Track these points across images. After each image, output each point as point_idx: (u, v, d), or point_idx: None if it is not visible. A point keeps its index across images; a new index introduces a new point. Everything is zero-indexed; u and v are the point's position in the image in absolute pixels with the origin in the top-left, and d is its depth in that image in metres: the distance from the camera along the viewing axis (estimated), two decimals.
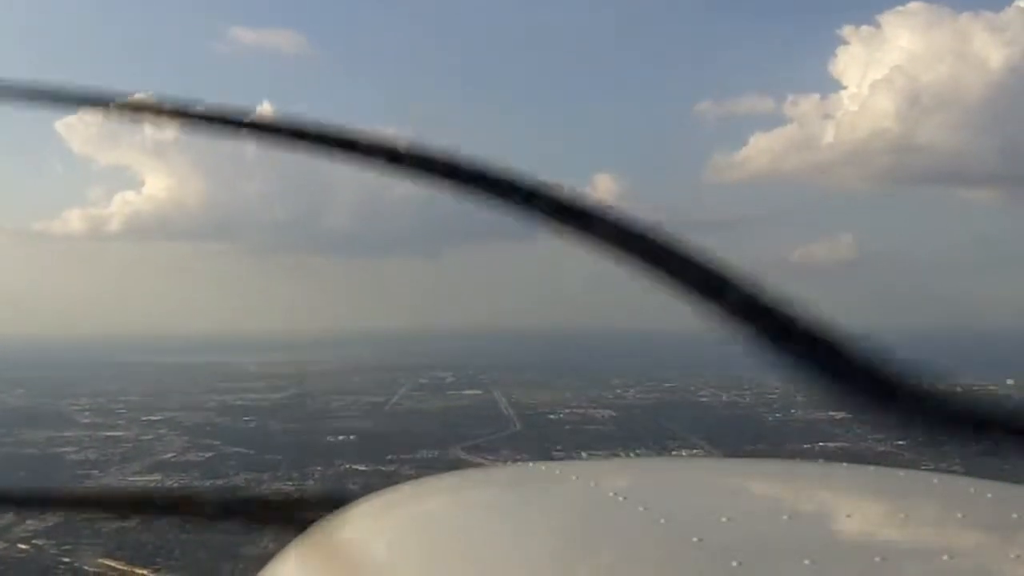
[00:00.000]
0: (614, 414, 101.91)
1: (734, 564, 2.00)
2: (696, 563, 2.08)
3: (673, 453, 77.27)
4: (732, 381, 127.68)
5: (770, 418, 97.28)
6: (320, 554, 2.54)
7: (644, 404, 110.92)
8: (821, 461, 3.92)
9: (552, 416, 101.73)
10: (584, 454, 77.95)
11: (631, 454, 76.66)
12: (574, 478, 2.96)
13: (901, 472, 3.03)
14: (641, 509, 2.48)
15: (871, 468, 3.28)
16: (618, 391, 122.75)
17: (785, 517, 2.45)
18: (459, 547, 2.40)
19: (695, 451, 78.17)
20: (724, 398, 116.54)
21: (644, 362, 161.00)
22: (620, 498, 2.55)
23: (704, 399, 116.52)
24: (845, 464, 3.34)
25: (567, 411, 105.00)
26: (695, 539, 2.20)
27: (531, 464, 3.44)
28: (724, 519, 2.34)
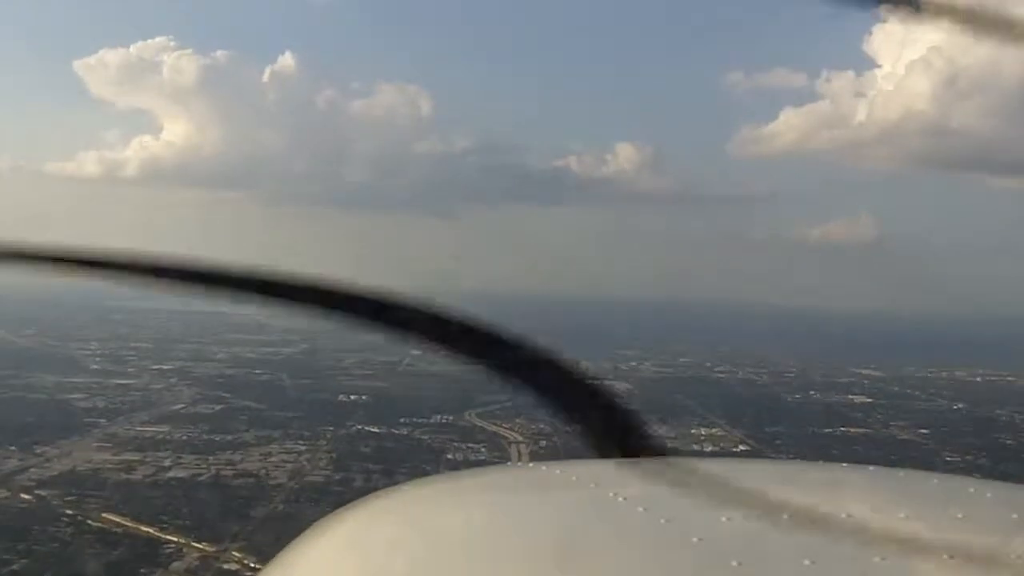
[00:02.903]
0: (629, 387, 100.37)
1: (734, 564, 2.04)
2: (696, 563, 2.12)
3: (692, 431, 76.14)
4: (747, 358, 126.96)
5: (789, 399, 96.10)
6: (320, 554, 2.45)
7: (660, 378, 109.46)
8: (821, 461, 3.64)
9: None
10: None
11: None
12: (574, 479, 2.90)
13: (901, 472, 3.01)
14: (641, 510, 2.46)
15: (871, 468, 3.21)
16: (633, 363, 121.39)
17: (785, 517, 2.38)
18: (459, 548, 2.40)
19: (714, 430, 77.05)
20: (740, 375, 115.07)
21: (657, 334, 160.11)
22: (620, 499, 2.53)
23: (720, 375, 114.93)
24: (845, 464, 3.24)
25: None
26: (695, 539, 2.23)
27: (531, 464, 3.43)
28: (725, 519, 2.34)
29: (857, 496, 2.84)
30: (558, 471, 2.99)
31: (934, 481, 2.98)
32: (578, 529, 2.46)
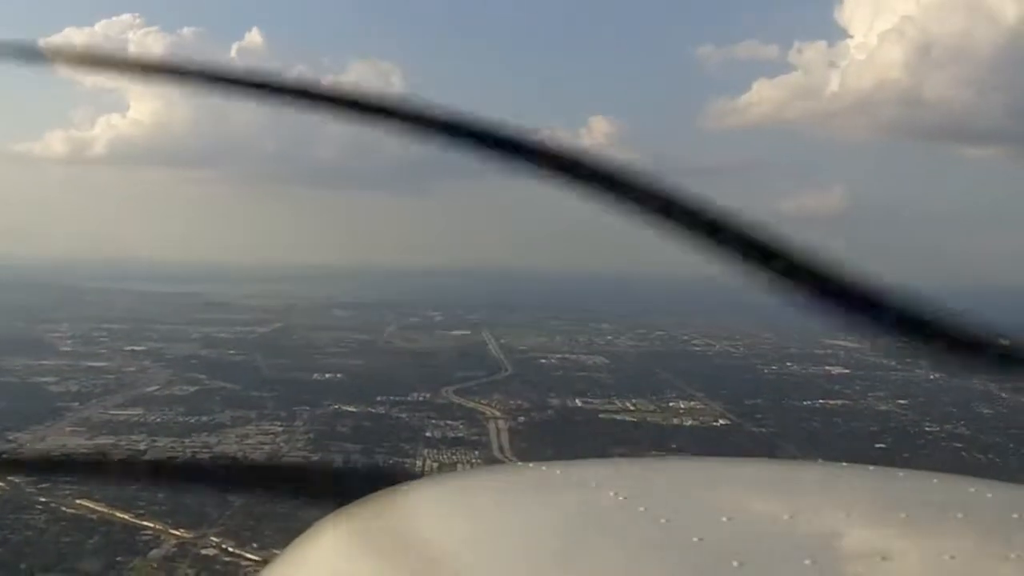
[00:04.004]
0: (606, 361, 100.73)
1: (735, 564, 2.06)
2: (697, 563, 2.14)
3: (671, 404, 76.01)
4: (722, 331, 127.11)
5: (766, 370, 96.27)
6: (321, 554, 2.49)
7: (636, 352, 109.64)
8: (821, 461, 3.68)
9: (543, 361, 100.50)
10: (578, 401, 76.68)
11: (627, 403, 75.59)
12: (575, 478, 2.95)
13: (901, 472, 3.03)
14: (642, 509, 2.49)
15: (871, 468, 3.25)
16: (609, 337, 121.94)
17: (786, 517, 2.45)
18: (460, 548, 2.40)
19: (693, 403, 76.78)
20: (716, 348, 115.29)
21: (633, 308, 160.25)
22: (621, 498, 2.55)
23: (697, 348, 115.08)
24: (845, 464, 3.25)
25: (558, 356, 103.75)
26: (696, 539, 2.24)
27: (532, 464, 3.25)
28: (725, 519, 2.38)
29: (857, 496, 2.85)
30: (558, 471, 3.01)
31: (934, 481, 2.96)
32: (578, 529, 2.47)
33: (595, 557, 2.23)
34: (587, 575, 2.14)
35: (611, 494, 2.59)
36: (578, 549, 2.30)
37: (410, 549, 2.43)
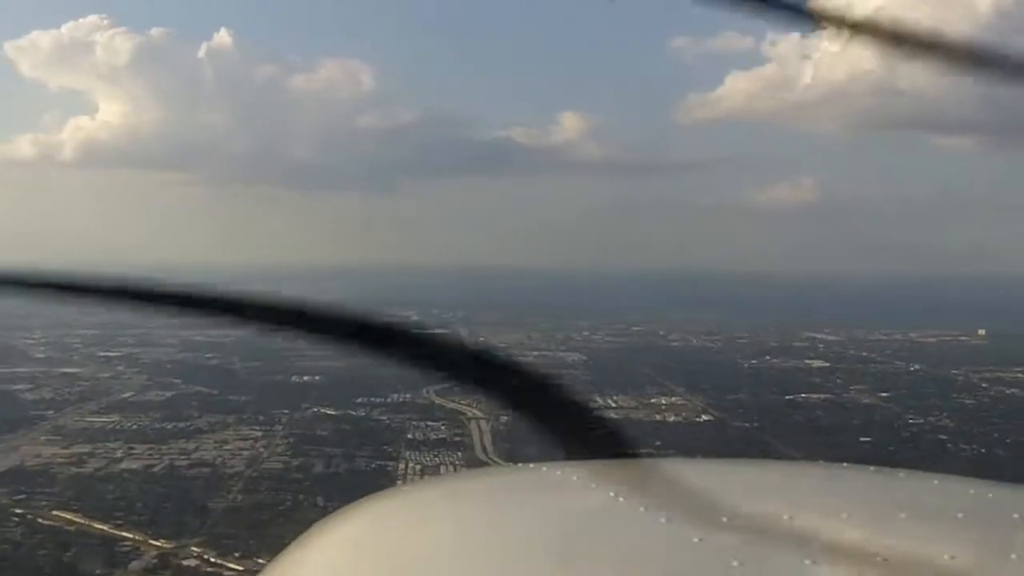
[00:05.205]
0: (584, 358, 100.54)
1: (735, 564, 2.09)
2: (697, 563, 2.17)
3: (653, 401, 75.75)
4: (700, 326, 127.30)
5: (745, 365, 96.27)
6: (321, 554, 2.50)
7: (614, 348, 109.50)
8: (821, 462, 3.63)
9: (522, 359, 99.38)
10: None
11: (609, 400, 75.27)
12: (575, 478, 2.88)
13: (902, 473, 3.05)
14: (642, 509, 2.51)
15: (871, 469, 3.25)
16: (586, 333, 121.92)
17: (786, 517, 2.47)
18: (459, 548, 2.44)
19: (674, 399, 76.56)
20: (695, 343, 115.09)
21: (608, 304, 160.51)
22: (620, 499, 2.57)
23: (675, 344, 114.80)
24: (846, 465, 3.26)
25: (536, 354, 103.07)
26: (696, 539, 2.26)
27: (532, 465, 3.21)
28: (725, 519, 2.39)
29: (858, 496, 2.84)
30: (558, 471, 2.97)
31: (934, 482, 2.98)
32: (579, 530, 2.51)
33: (596, 558, 2.23)
34: (587, 575, 2.18)
35: (611, 495, 2.60)
36: (579, 549, 2.32)
37: (410, 549, 2.44)
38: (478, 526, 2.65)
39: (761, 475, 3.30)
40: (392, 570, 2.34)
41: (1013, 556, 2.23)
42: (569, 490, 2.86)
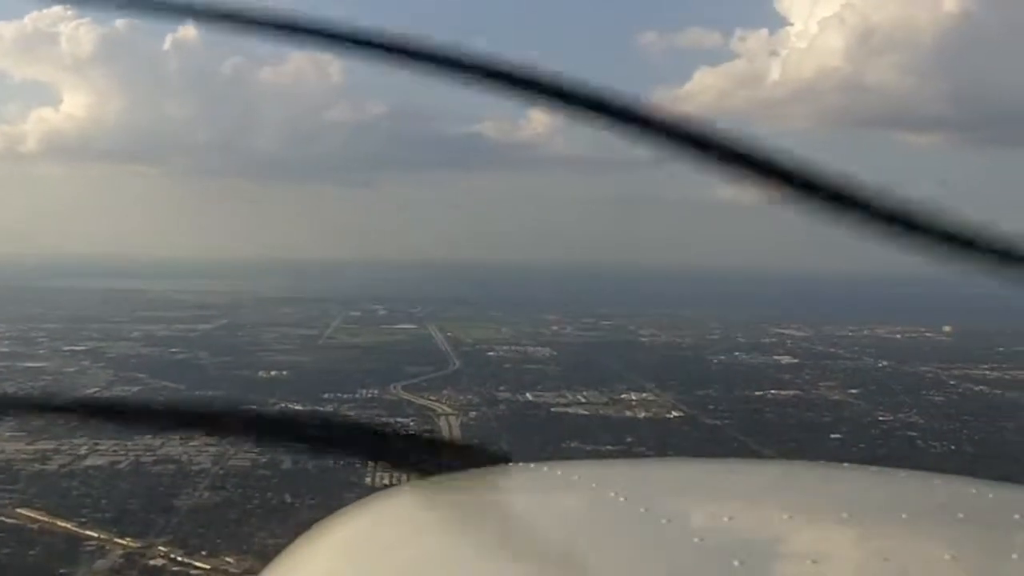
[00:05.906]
0: (554, 353, 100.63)
1: (735, 564, 2.08)
2: (698, 563, 2.16)
3: (623, 396, 75.71)
4: (668, 320, 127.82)
5: (715, 361, 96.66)
6: (320, 555, 2.49)
7: (583, 343, 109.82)
8: (822, 462, 3.50)
9: (491, 354, 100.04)
10: (529, 395, 76.18)
11: (579, 396, 75.21)
12: (575, 479, 2.94)
13: (902, 473, 3.04)
14: (642, 510, 2.51)
15: (872, 469, 3.26)
16: (555, 328, 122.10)
17: (786, 517, 2.47)
18: (460, 548, 2.44)
19: (644, 394, 76.56)
20: (663, 338, 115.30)
21: (577, 298, 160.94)
22: (621, 499, 2.57)
23: (644, 339, 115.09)
24: (846, 464, 3.23)
25: (506, 348, 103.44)
26: (696, 540, 2.30)
27: (531, 465, 3.15)
28: (725, 519, 2.41)
29: (858, 497, 2.81)
30: (558, 471, 2.97)
31: (935, 482, 2.97)
32: (579, 530, 2.47)
33: (596, 558, 2.21)
34: (587, 575, 2.16)
35: (611, 495, 2.59)
36: (579, 550, 2.28)
37: (410, 550, 2.41)
38: (478, 525, 2.60)
39: (761, 475, 3.28)
40: (392, 571, 2.32)
41: (1014, 556, 2.21)
42: (569, 490, 2.84)
